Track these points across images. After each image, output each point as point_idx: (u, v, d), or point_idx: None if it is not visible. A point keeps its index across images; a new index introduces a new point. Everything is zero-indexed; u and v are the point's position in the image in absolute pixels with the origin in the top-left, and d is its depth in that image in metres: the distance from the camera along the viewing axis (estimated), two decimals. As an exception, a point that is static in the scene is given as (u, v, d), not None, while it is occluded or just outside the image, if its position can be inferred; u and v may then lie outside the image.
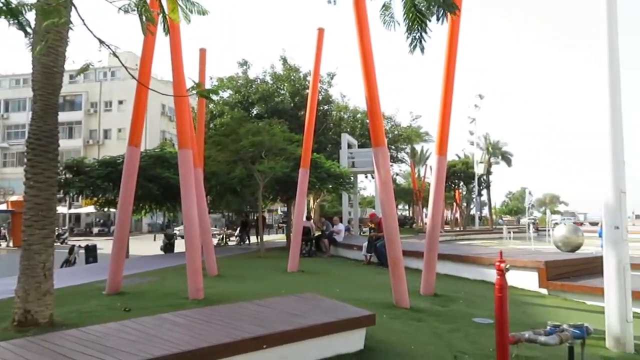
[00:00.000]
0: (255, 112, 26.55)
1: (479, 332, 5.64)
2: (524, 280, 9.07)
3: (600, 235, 14.70)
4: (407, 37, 4.16)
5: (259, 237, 23.46)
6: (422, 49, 4.14)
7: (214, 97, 25.90)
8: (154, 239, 30.88)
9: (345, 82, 63.90)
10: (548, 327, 3.91)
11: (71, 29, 5.18)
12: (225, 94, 27.63)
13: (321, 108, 27.66)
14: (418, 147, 53.71)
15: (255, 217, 26.00)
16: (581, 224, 44.69)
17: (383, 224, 7.69)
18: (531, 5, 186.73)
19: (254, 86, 27.01)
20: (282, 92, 27.00)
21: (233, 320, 4.36)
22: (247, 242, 23.57)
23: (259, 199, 16.22)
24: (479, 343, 5.11)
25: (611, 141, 5.23)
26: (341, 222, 19.68)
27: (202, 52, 12.22)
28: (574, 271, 9.19)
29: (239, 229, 25.65)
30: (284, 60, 27.66)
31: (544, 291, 8.72)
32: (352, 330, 4.62)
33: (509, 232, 30.26)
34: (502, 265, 3.48)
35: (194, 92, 3.64)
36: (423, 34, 3.95)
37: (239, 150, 14.55)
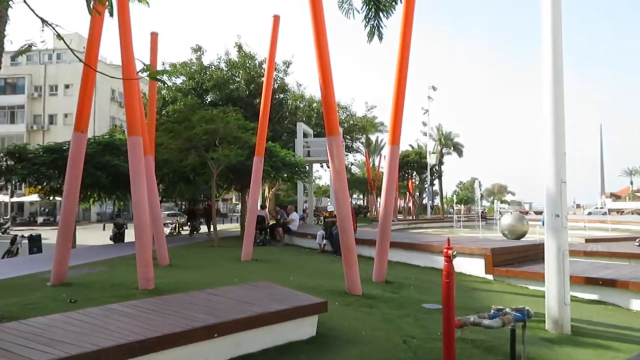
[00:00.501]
0: (209, 100, 26.05)
1: (428, 317, 5.80)
2: (472, 266, 9.39)
3: (544, 224, 15.42)
4: (366, 26, 4.19)
5: (211, 226, 23.12)
6: (380, 37, 4.19)
7: (167, 82, 25.29)
8: (103, 229, 29.96)
9: (301, 71, 63.79)
10: (492, 311, 4.06)
11: (10, 6, 4.91)
12: (179, 80, 26.98)
13: (277, 96, 27.44)
14: (373, 137, 54.55)
15: (204, 206, 25.32)
16: (526, 213, 46.57)
17: (337, 213, 7.75)
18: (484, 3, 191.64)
19: (208, 73, 26.45)
20: (237, 79, 26.57)
21: (184, 310, 4.31)
22: (195, 231, 22.99)
23: (213, 187, 15.97)
24: (427, 327, 5.26)
25: (553, 134, 5.46)
26: (296, 211, 19.71)
27: (154, 36, 11.85)
28: (518, 258, 9.59)
29: (186, 218, 24.93)
30: (239, 47, 27.20)
31: (490, 277, 9.06)
32: (304, 317, 4.66)
33: (459, 221, 31.22)
34: (450, 252, 3.58)
35: (144, 74, 3.52)
36: (380, 21, 3.99)
37: (192, 137, 14.26)
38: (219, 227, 21.12)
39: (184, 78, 26.53)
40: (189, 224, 23.99)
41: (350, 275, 7.23)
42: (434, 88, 48.34)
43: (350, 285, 7.21)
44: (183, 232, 24.91)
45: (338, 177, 7.57)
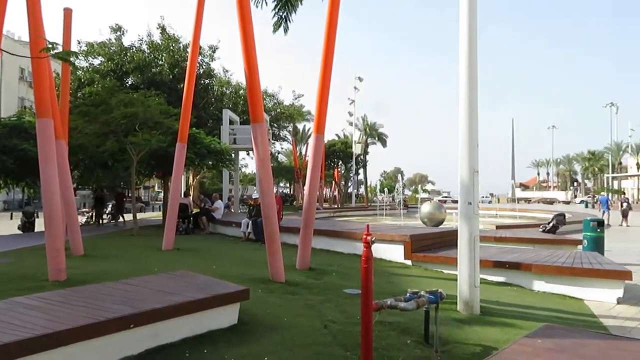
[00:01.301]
0: (130, 83, 24.81)
1: (349, 302, 5.95)
2: (392, 252, 9.72)
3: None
4: (274, 16, 4.15)
5: (119, 216, 22.04)
6: (286, 29, 4.16)
7: (77, 63, 23.78)
8: (11, 218, 27.89)
9: (228, 57, 62.40)
10: (408, 294, 4.25)
11: None
12: (96, 61, 25.44)
13: (202, 82, 26.69)
14: (300, 126, 54.78)
15: (115, 193, 24.02)
16: (445, 201, 48.83)
17: (261, 201, 7.70)
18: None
19: (128, 54, 25.14)
20: (160, 62, 25.47)
21: (97, 301, 4.13)
22: (101, 221, 21.40)
23: (132, 174, 15.33)
24: (348, 312, 5.40)
25: (467, 127, 5.75)
26: (221, 199, 19.39)
27: (67, 12, 11.04)
28: (435, 243, 10.06)
29: (92, 205, 23.20)
30: (163, 29, 26.09)
31: (409, 262, 9.43)
32: (225, 306, 4.61)
33: (383, 209, 32.19)
34: (369, 238, 3.68)
35: (51, 53, 3.29)
36: (289, 14, 3.97)
37: (109, 121, 13.55)
38: (140, 215, 20.35)
39: (102, 59, 25.07)
40: (94, 212, 22.42)
41: (274, 263, 7.25)
42: (360, 79, 49.30)
43: (273, 273, 7.23)
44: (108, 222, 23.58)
45: (263, 165, 7.53)
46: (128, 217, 22.22)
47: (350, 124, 51.37)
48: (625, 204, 24.67)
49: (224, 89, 30.07)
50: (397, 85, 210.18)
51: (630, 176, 74.36)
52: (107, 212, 22.63)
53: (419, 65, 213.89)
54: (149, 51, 25.85)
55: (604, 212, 25.50)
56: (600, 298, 6.83)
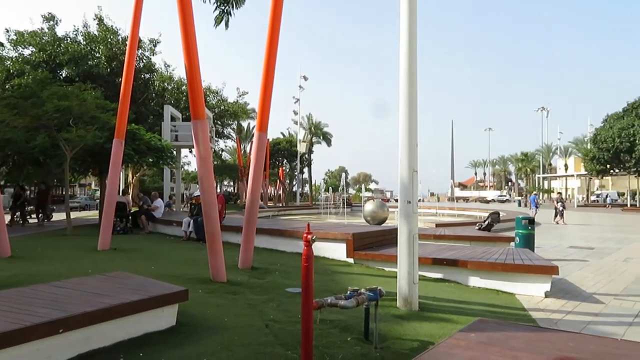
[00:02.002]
0: (64, 75, 23.65)
1: (291, 301, 5.94)
2: (335, 251, 9.81)
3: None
4: (215, 9, 4.07)
5: (40, 215, 20.77)
6: (227, 24, 4.09)
7: (4, 51, 22.43)
8: None
9: (170, 51, 60.81)
10: (348, 292, 4.29)
11: None
12: (27, 52, 24.05)
13: (142, 76, 25.84)
14: (244, 124, 54.12)
15: (38, 190, 22.57)
16: (387, 200, 49.82)
17: (202, 199, 7.55)
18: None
19: (62, 45, 23.93)
20: (97, 55, 24.41)
21: (24, 305, 3.89)
22: (20, 219, 19.96)
23: (66, 171, 14.60)
24: (290, 311, 5.39)
25: (407, 127, 5.88)
26: (161, 197, 18.86)
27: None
28: (377, 242, 10.24)
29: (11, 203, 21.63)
30: (100, 20, 25.02)
31: (351, 260, 9.55)
32: (163, 307, 4.48)
33: (327, 208, 32.44)
34: (309, 236, 3.68)
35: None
36: (232, 7, 3.91)
37: (41, 115, 12.86)
38: (73, 214, 19.44)
39: (33, 49, 23.74)
40: (9, 209, 20.97)
41: (215, 262, 7.13)
42: (305, 78, 49.47)
43: (214, 273, 7.11)
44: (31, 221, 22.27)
45: (204, 163, 7.38)
46: (59, 216, 21.16)
47: (295, 122, 51.45)
48: (560, 204, 25.79)
49: (166, 84, 29.28)
50: (340, 85, 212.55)
51: (559, 176, 79.01)
52: (27, 210, 21.31)
53: (361, 65, 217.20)
54: (85, 43, 24.74)
55: (534, 211, 26.79)
56: (530, 292, 7.19)
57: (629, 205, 48.91)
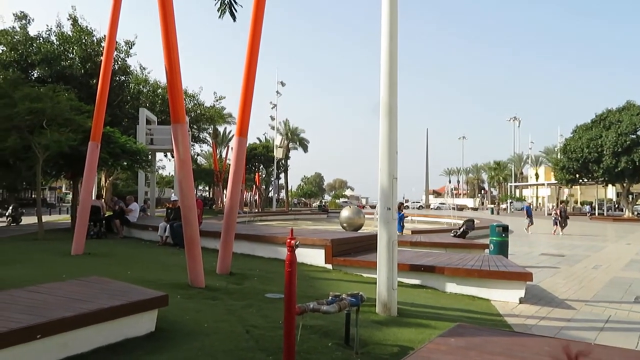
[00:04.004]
0: (36, 75, 23.13)
1: (271, 306, 5.94)
2: (313, 257, 9.82)
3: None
4: (217, 1, 4.04)
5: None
6: (233, 15, 4.06)
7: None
8: None
9: (145, 54, 60.05)
10: (330, 297, 4.32)
11: None
12: (-3, 51, 23.45)
13: (117, 78, 25.43)
14: (221, 129, 53.77)
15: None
16: (363, 207, 50.11)
17: (180, 203, 7.48)
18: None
19: (35, 45, 23.40)
20: (71, 56, 23.94)
21: (-1, 310, 3.80)
22: None
23: (38, 174, 14.25)
24: (270, 316, 5.38)
25: (387, 135, 5.96)
26: (136, 201, 18.56)
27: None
28: (355, 248, 10.30)
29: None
30: (74, 20, 24.54)
31: (330, 266, 9.57)
32: (142, 312, 4.43)
33: (303, 214, 32.44)
34: (292, 242, 3.70)
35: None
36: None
37: (12, 117, 12.53)
38: (45, 218, 18.96)
39: (4, 48, 23.15)
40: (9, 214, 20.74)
41: (193, 268, 7.06)
42: (282, 84, 49.51)
43: (193, 278, 7.04)
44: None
45: (183, 167, 7.32)
46: (28, 219, 20.65)
47: (272, 128, 51.37)
48: (563, 213, 24.14)
49: (141, 87, 28.91)
50: (318, 93, 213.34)
51: (530, 185, 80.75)
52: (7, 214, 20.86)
53: (340, 73, 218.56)
54: (58, 43, 24.23)
55: (529, 222, 25.06)
56: (505, 298, 7.34)
57: (596, 214, 50.28)
